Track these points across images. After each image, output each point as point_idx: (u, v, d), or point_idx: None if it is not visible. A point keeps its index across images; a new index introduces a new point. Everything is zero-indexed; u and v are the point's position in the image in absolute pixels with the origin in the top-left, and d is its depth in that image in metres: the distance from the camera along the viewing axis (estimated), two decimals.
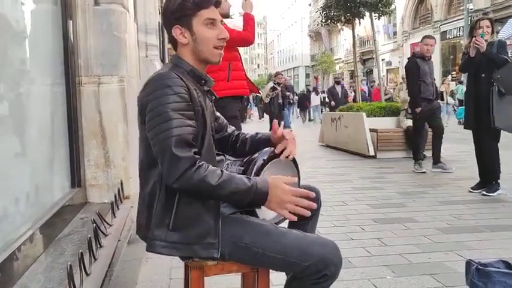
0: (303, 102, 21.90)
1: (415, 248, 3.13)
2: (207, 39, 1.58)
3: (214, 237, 1.49)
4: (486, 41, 4.63)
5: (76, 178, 2.81)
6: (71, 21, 2.77)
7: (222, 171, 1.45)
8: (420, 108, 6.26)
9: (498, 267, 2.02)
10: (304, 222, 1.83)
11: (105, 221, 2.37)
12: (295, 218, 1.54)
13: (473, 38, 4.67)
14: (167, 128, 1.41)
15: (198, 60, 1.62)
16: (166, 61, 8.61)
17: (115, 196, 2.72)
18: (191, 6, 1.55)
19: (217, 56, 1.63)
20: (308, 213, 1.52)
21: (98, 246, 2.02)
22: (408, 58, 6.68)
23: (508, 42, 17.66)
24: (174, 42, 1.63)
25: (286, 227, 1.76)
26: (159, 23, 6.46)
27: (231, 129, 1.92)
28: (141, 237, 1.59)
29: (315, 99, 20.72)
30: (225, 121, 1.92)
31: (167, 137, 1.40)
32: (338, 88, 14.92)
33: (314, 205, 1.53)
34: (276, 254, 1.51)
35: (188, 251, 1.51)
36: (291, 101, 17.16)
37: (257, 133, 1.89)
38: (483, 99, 4.64)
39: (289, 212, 1.50)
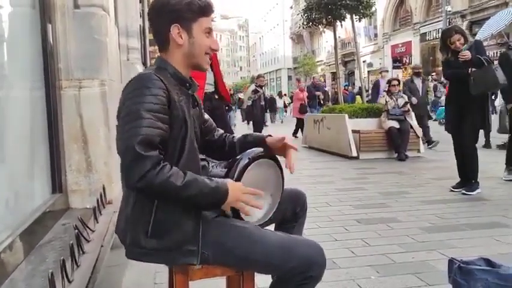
0: (272, 105, 22.90)
1: (399, 247, 3.17)
2: (204, 46, 1.60)
3: (193, 244, 1.48)
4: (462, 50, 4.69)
5: (57, 183, 2.77)
6: (50, 25, 2.73)
7: (184, 172, 1.43)
8: None
9: (479, 265, 2.05)
10: (290, 225, 1.84)
11: (87, 226, 2.34)
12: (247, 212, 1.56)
13: (459, 54, 4.64)
14: (135, 126, 1.38)
15: (186, 64, 1.62)
16: (148, 64, 8.57)
17: (97, 201, 2.69)
18: (196, 11, 1.56)
19: (207, 63, 1.65)
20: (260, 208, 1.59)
21: (81, 252, 1.99)
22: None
23: (485, 43, 17.98)
24: (165, 40, 1.59)
25: (273, 229, 1.77)
26: (140, 26, 6.41)
27: (219, 132, 1.90)
28: (120, 239, 1.58)
29: (279, 102, 20.86)
30: (214, 124, 1.89)
31: (133, 134, 1.37)
32: (418, 82, 9.88)
33: (261, 205, 1.58)
34: (260, 256, 1.51)
35: (167, 258, 1.50)
36: (321, 102, 14.33)
37: (246, 135, 1.87)
38: (466, 100, 4.68)
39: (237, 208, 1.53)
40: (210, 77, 4.11)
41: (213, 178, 1.50)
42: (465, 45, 4.75)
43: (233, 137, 1.89)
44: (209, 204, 1.49)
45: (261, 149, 1.72)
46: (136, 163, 1.35)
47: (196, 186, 1.42)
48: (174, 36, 1.57)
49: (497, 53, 16.56)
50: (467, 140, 4.83)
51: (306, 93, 14.47)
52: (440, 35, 5.05)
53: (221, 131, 1.92)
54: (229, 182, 1.51)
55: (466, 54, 4.58)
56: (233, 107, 15.61)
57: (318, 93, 14.16)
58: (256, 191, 1.56)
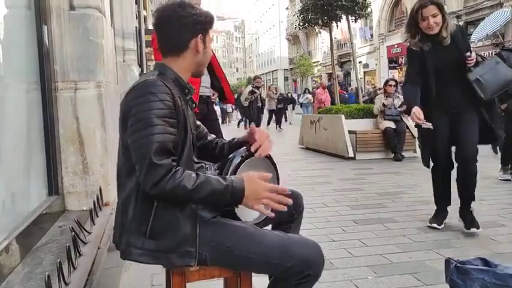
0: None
1: (396, 247, 3.17)
2: (210, 55, 1.71)
3: (191, 245, 1.48)
4: (440, 35, 3.36)
5: (53, 186, 2.76)
6: (45, 26, 2.72)
7: (197, 174, 1.45)
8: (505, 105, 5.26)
9: (476, 265, 2.06)
10: (287, 226, 1.84)
11: (84, 228, 2.33)
12: (272, 214, 1.55)
13: (467, 60, 3.36)
14: (149, 134, 1.40)
15: (192, 71, 1.67)
16: (144, 66, 8.57)
17: (94, 203, 2.68)
18: (212, 22, 1.66)
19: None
20: (284, 208, 1.54)
21: (77, 254, 1.99)
22: None
23: (480, 43, 17.99)
24: (182, 48, 1.62)
25: (270, 229, 1.77)
26: (136, 27, 6.41)
27: (211, 137, 1.93)
28: (115, 244, 1.58)
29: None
30: (205, 129, 1.93)
31: (148, 143, 1.40)
32: None
33: (290, 201, 1.55)
34: (258, 256, 1.52)
35: (165, 259, 1.50)
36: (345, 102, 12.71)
37: (233, 138, 1.91)
38: (457, 106, 3.44)
39: (266, 207, 1.51)
40: (206, 80, 4.07)
41: (226, 177, 1.50)
42: (447, 30, 3.36)
43: (222, 140, 1.93)
44: (226, 202, 1.50)
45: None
46: (152, 171, 1.39)
47: (208, 187, 1.43)
48: (198, 45, 1.62)
49: (491, 53, 16.65)
50: (472, 150, 3.37)
51: (327, 93, 13.75)
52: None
53: (213, 136, 1.94)
54: (248, 178, 1.49)
55: (473, 58, 3.36)
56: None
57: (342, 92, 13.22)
58: (284, 189, 1.55)
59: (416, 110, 3.28)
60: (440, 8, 3.36)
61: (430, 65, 3.39)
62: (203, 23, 1.63)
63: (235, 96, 16.54)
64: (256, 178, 1.51)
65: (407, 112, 3.56)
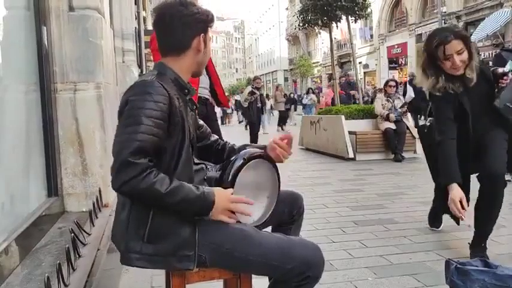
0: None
1: (396, 248, 3.16)
2: (209, 54, 1.71)
3: (190, 249, 1.48)
4: (465, 76, 2.74)
5: (53, 187, 2.76)
6: (45, 27, 2.72)
7: (171, 179, 1.44)
8: None
9: (476, 266, 2.07)
10: (287, 227, 1.84)
11: (83, 230, 2.33)
12: (234, 220, 1.57)
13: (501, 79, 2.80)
14: (132, 132, 1.40)
15: (192, 71, 1.67)
16: (143, 67, 8.56)
17: (93, 204, 2.68)
18: (213, 21, 1.66)
19: None
20: (249, 214, 1.59)
21: (77, 256, 1.99)
22: None
23: (480, 44, 17.97)
24: (184, 47, 1.61)
25: (270, 231, 1.77)
26: (135, 28, 6.40)
27: (214, 137, 1.91)
28: (115, 244, 1.57)
29: (267, 104, 20.68)
30: (208, 129, 1.92)
31: (129, 140, 1.39)
32: None
33: (248, 211, 1.58)
34: (258, 257, 1.51)
35: (163, 264, 1.50)
36: (357, 101, 11.29)
37: (245, 145, 1.88)
38: (483, 133, 2.84)
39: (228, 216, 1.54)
40: (205, 80, 4.06)
41: (199, 186, 1.50)
42: (473, 68, 2.73)
43: (232, 145, 1.90)
44: (195, 212, 1.50)
45: (256, 150, 1.72)
46: (124, 168, 1.37)
47: (181, 193, 1.43)
48: (200, 45, 1.62)
49: (491, 53, 16.65)
50: (501, 164, 2.76)
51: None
52: (425, 41, 2.89)
53: (216, 137, 1.93)
54: (217, 190, 1.52)
55: (508, 78, 2.79)
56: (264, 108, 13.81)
57: (353, 92, 12.31)
58: (247, 199, 1.56)
59: (458, 196, 2.62)
60: (466, 42, 2.67)
61: (467, 108, 2.78)
62: (205, 22, 1.62)
63: (238, 98, 16.60)
64: (226, 193, 1.53)
65: (444, 190, 2.81)
